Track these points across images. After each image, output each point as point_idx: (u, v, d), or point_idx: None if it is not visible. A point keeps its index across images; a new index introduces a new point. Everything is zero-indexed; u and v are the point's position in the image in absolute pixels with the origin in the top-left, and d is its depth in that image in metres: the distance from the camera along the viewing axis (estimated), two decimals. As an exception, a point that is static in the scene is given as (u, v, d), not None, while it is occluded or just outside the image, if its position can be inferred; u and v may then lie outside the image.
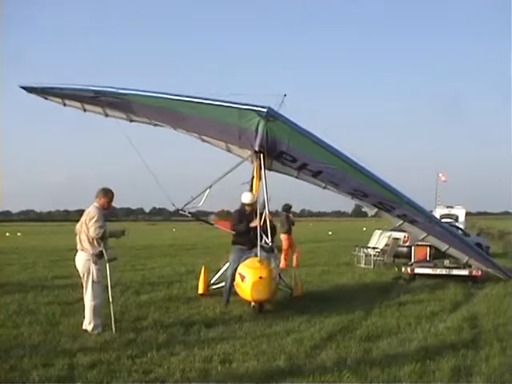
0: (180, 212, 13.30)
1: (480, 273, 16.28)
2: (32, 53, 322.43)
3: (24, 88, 14.11)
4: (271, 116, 11.26)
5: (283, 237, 21.32)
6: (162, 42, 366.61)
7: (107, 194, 9.79)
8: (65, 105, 14.73)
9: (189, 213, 13.46)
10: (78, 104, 14.57)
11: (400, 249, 22.80)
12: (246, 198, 12.93)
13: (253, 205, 12.80)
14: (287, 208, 21.83)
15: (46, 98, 14.68)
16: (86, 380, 6.90)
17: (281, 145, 12.36)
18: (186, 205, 13.24)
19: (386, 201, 13.63)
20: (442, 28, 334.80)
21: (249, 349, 8.41)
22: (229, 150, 14.13)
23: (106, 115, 14.45)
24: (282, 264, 20.04)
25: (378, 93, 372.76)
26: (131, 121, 14.31)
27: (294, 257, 21.39)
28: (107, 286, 9.56)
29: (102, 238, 9.48)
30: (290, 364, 7.69)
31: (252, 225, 12.42)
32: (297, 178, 14.03)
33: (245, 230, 12.50)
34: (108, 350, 8.24)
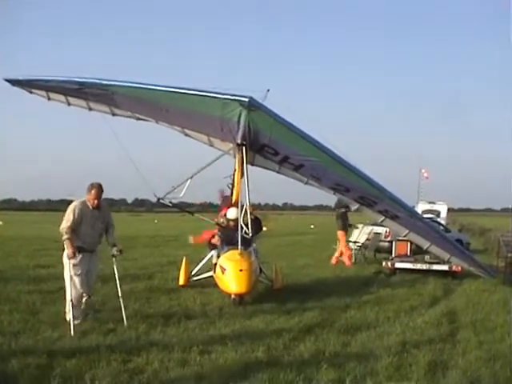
0: (161, 201, 13.29)
1: (460, 268, 16.43)
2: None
3: (8, 81, 14.06)
4: (253, 106, 11.37)
5: (340, 233, 21.11)
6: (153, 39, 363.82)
7: (90, 190, 9.38)
8: (49, 98, 14.68)
9: (170, 202, 13.47)
10: (62, 97, 14.51)
11: (381, 243, 22.91)
12: (232, 213, 13.06)
13: (236, 220, 12.91)
14: (345, 205, 21.45)
15: (31, 92, 14.64)
16: (64, 368, 6.89)
17: (263, 137, 12.38)
18: (166, 194, 13.23)
19: (367, 195, 13.67)
20: (430, 26, 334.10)
21: (228, 340, 8.42)
22: (211, 145, 14.08)
23: (90, 109, 14.43)
24: (347, 263, 20.14)
25: (361, 88, 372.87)
26: (114, 114, 14.27)
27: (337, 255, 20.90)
28: (116, 280, 9.89)
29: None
30: (268, 355, 7.74)
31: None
32: (278, 172, 13.99)
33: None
34: (87, 339, 8.26)
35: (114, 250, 9.71)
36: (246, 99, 11.18)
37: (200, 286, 13.23)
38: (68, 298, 9.23)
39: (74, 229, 9.22)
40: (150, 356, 7.47)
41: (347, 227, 21.46)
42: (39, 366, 6.95)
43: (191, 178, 13.14)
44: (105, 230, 9.77)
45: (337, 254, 20.89)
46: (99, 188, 9.43)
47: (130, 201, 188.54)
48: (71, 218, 9.17)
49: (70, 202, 9.65)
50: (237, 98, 11.31)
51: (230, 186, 13.87)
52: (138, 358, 7.39)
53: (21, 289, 12.59)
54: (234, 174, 13.67)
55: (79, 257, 9.24)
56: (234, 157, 13.33)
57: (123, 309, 9.49)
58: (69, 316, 9.04)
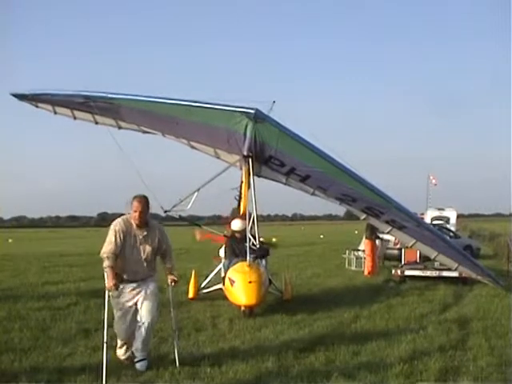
0: (168, 214, 13.34)
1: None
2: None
3: (15, 95, 14.17)
4: (259, 118, 11.39)
5: (365, 241, 21.04)
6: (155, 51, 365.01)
7: (132, 203, 7.50)
8: (55, 113, 14.74)
9: (179, 216, 13.54)
10: (69, 111, 14.57)
11: (390, 251, 22.93)
12: (236, 225, 13.14)
13: (242, 231, 12.96)
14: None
15: (37, 106, 14.70)
16: (75, 384, 6.92)
17: (269, 149, 12.41)
18: (173, 207, 13.29)
19: (374, 205, 13.64)
20: (437, 29, 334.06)
21: (238, 352, 8.44)
22: (217, 157, 14.15)
23: (96, 123, 14.49)
24: (367, 271, 20.01)
25: (368, 94, 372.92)
26: (120, 128, 14.34)
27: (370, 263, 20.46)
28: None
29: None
30: (278, 366, 7.73)
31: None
32: (285, 184, 14.02)
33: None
34: (98, 355, 8.27)
35: (169, 280, 7.84)
36: (252, 111, 11.22)
37: (210, 299, 13.22)
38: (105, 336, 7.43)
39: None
40: (160, 369, 7.48)
41: (375, 236, 20.90)
42: (49, 382, 6.97)
43: (198, 190, 13.19)
44: (161, 255, 7.87)
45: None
46: (143, 201, 7.51)
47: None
48: (113, 239, 7.33)
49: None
50: (243, 109, 11.36)
51: (238, 197, 13.92)
52: (149, 371, 7.40)
53: (31, 306, 12.60)
54: (240, 186, 13.75)
55: (121, 289, 7.48)
56: (241, 169, 13.39)
57: (176, 347, 7.89)
58: (118, 353, 7.90)
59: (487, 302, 13.40)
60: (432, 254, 15.49)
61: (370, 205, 13.77)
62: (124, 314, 7.55)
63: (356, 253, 23.07)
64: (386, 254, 23.13)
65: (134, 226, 7.47)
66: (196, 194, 13.18)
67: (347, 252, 23.49)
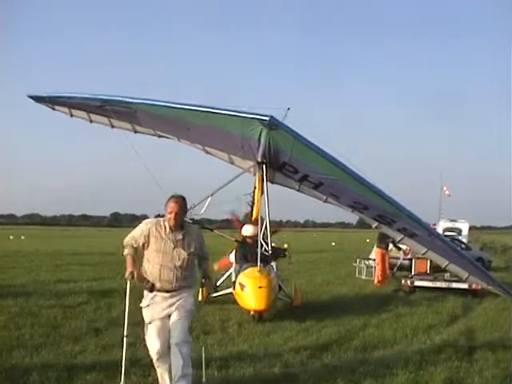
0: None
1: (479, 286, 16.42)
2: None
3: (32, 97, 14.38)
4: (274, 125, 11.42)
5: (376, 250, 21.08)
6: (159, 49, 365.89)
7: (167, 204, 6.74)
8: (72, 115, 14.94)
9: (190, 219, 13.62)
10: (85, 114, 14.77)
11: (401, 261, 22.95)
12: (248, 230, 13.34)
13: (254, 237, 13.14)
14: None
15: (54, 109, 14.91)
16: (85, 381, 7.05)
17: (283, 155, 12.50)
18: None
19: (385, 213, 13.67)
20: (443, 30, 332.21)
21: (246, 356, 8.57)
22: (231, 162, 14.30)
23: (112, 126, 14.71)
24: (377, 280, 20.08)
25: (378, 100, 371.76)
26: (136, 132, 14.57)
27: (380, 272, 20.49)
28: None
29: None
30: (285, 372, 7.84)
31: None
32: (298, 190, 14.09)
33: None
34: (108, 353, 8.40)
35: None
36: (267, 118, 11.22)
37: (219, 303, 13.35)
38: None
39: (144, 256, 6.80)
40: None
41: (387, 245, 20.79)
42: (60, 379, 7.10)
43: (211, 195, 13.31)
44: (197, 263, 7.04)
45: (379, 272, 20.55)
46: (180, 201, 6.73)
47: (151, 216, 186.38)
48: (135, 234, 6.76)
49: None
50: (257, 116, 11.39)
51: (251, 203, 14.06)
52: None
53: (42, 303, 12.79)
54: (254, 192, 13.89)
55: (152, 299, 6.78)
56: (254, 174, 13.53)
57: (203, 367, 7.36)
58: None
59: (496, 315, 13.47)
60: (443, 263, 15.48)
61: (381, 213, 13.81)
62: (155, 327, 6.71)
63: (367, 262, 23.14)
64: (396, 263, 23.14)
65: (168, 229, 6.69)
66: (209, 198, 13.29)
67: (358, 260, 23.57)
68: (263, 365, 8.12)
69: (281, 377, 7.60)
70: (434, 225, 35.23)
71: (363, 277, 22.11)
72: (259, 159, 12.81)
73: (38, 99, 14.56)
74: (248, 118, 11.53)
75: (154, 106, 12.38)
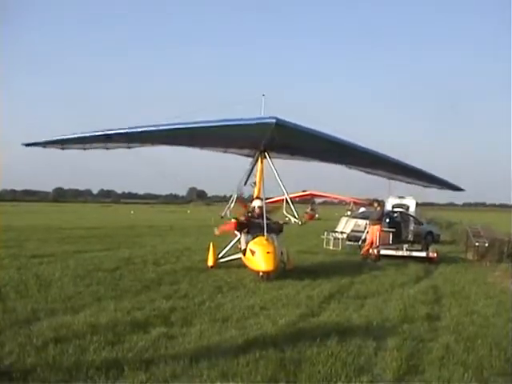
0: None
1: (435, 255, 19.55)
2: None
3: (26, 145, 15.42)
4: (280, 126, 12.62)
5: (376, 227, 21.81)
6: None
7: None
8: (63, 149, 16.05)
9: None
10: (80, 145, 15.98)
11: (358, 234, 25.42)
12: (257, 203, 16.01)
13: (260, 209, 15.72)
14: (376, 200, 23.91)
15: (45, 147, 15.89)
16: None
17: (286, 145, 15.31)
18: None
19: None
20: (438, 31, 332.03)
21: (275, 301, 11.28)
22: (225, 151, 17.86)
23: (107, 149, 16.34)
24: (365, 250, 21.57)
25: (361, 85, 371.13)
26: (130, 147, 16.62)
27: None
28: None
29: None
30: (309, 310, 10.54)
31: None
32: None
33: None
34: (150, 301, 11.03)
35: None
36: (273, 120, 12.38)
37: (226, 267, 15.90)
38: None
39: None
40: (225, 308, 10.35)
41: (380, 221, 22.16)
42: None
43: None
44: None
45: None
46: None
47: (95, 191, 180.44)
48: None
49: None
50: (263, 121, 12.75)
51: (253, 184, 16.72)
52: (195, 319, 9.59)
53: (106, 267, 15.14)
54: (250, 172, 16.80)
55: None
56: (257, 160, 16.37)
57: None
58: None
59: (452, 276, 16.64)
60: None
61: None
62: None
63: (334, 234, 25.87)
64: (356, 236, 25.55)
65: None
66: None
67: (325, 233, 26.09)
68: (291, 307, 10.77)
69: (308, 313, 10.27)
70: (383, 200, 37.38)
71: (331, 247, 24.77)
72: (262, 148, 15.67)
73: (32, 145, 15.46)
74: (256, 124, 12.85)
75: (159, 131, 13.58)
